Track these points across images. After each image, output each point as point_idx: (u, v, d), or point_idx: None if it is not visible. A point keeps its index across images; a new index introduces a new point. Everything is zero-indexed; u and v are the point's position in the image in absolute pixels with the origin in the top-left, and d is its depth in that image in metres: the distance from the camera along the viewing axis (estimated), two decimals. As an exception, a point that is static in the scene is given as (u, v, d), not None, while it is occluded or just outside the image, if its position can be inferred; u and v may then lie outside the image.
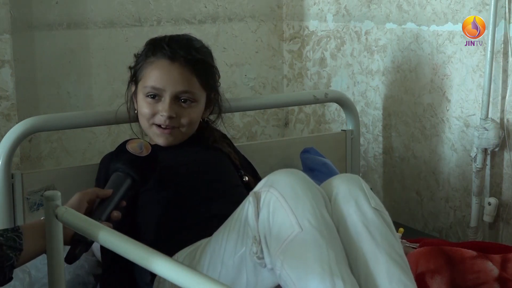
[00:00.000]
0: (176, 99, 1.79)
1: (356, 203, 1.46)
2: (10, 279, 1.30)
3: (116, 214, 1.49)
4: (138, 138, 1.68)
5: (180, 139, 1.82)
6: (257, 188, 1.46)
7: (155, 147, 1.85)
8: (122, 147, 1.60)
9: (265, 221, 1.39)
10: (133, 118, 1.89)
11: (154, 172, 1.62)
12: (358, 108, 2.55)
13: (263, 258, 1.39)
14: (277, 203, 1.39)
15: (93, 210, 1.48)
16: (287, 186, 1.41)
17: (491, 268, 1.74)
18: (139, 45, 1.90)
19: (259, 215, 1.41)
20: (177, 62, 1.78)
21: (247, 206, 1.43)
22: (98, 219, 1.44)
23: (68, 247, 1.40)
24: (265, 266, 1.39)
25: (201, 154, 1.85)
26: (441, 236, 2.42)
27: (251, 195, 1.44)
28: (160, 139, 1.80)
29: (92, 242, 1.40)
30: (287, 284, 1.34)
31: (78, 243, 1.39)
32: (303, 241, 1.35)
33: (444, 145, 2.39)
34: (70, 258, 1.39)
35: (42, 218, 1.39)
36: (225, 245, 1.47)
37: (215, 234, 1.53)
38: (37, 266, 1.73)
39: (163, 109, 1.77)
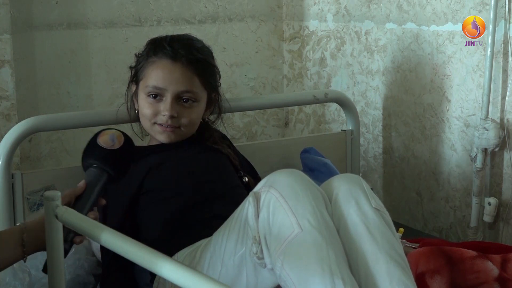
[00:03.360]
0: (178, 98, 1.79)
1: (356, 203, 1.46)
2: None
3: (93, 216, 1.43)
4: (110, 129, 1.54)
5: (181, 137, 1.83)
6: (257, 188, 1.46)
7: (152, 147, 1.85)
8: (93, 141, 1.50)
9: (265, 221, 1.39)
10: (134, 118, 1.90)
11: (130, 163, 1.53)
12: (358, 108, 2.55)
13: (263, 258, 1.39)
14: (277, 203, 1.39)
15: None
16: (287, 186, 1.41)
17: (491, 268, 1.74)
18: (139, 45, 1.90)
19: (259, 215, 1.41)
20: (179, 62, 1.79)
21: (247, 206, 1.43)
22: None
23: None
24: (265, 266, 1.39)
25: (201, 155, 1.85)
26: (441, 236, 2.42)
27: (251, 195, 1.44)
28: (162, 137, 1.81)
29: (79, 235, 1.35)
30: (287, 285, 1.35)
31: (66, 238, 1.34)
32: (303, 241, 1.35)
33: (444, 145, 2.39)
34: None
35: (17, 224, 1.37)
36: (225, 245, 1.47)
37: (215, 234, 1.53)
38: (37, 266, 1.73)
39: (164, 108, 1.77)
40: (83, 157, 1.49)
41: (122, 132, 1.52)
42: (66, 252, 1.35)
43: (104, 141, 1.48)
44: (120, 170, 1.49)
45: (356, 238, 1.43)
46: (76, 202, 1.41)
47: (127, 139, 1.52)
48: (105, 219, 1.75)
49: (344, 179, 1.52)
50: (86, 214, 1.39)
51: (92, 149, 1.48)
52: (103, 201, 1.48)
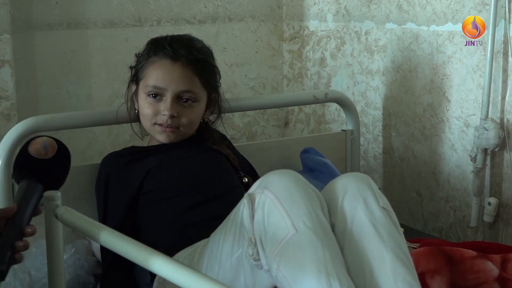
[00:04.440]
0: (177, 98, 1.79)
1: (364, 202, 1.46)
2: None
3: (31, 230, 1.26)
4: (41, 137, 1.40)
5: (180, 137, 1.83)
6: (252, 189, 1.45)
7: (152, 148, 1.85)
8: (25, 151, 1.36)
9: (260, 223, 1.39)
10: (134, 117, 1.90)
11: (66, 170, 1.40)
12: (358, 108, 2.55)
13: (259, 259, 1.38)
14: (272, 204, 1.38)
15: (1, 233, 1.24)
16: (281, 187, 1.41)
17: (491, 268, 1.74)
18: (139, 45, 1.90)
19: (254, 217, 1.40)
20: (179, 62, 1.79)
21: (242, 208, 1.43)
22: (9, 242, 1.22)
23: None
24: (262, 267, 1.39)
25: (201, 155, 1.85)
26: (441, 236, 2.42)
27: (246, 197, 1.44)
28: (162, 136, 1.81)
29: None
30: (284, 286, 1.34)
31: (3, 258, 1.20)
32: (298, 242, 1.35)
33: (444, 145, 2.39)
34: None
35: None
36: (222, 246, 1.47)
37: (212, 235, 1.53)
38: (37, 266, 1.73)
39: (164, 108, 1.78)
40: (14, 168, 1.36)
41: (55, 139, 1.39)
42: (3, 275, 1.19)
43: (35, 150, 1.35)
44: (55, 181, 1.36)
45: (362, 236, 1.43)
46: (10, 224, 1.25)
47: (61, 147, 1.39)
48: (105, 220, 1.76)
49: (353, 178, 1.52)
50: (22, 233, 1.25)
51: (24, 160, 1.35)
52: (41, 210, 1.32)
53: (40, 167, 1.34)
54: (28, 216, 1.27)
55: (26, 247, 1.24)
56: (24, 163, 1.34)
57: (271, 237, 1.36)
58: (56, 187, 1.35)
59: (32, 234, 1.27)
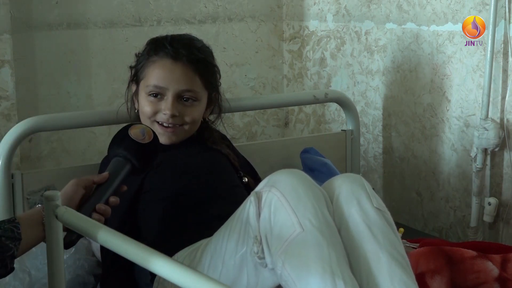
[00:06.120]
0: (179, 98, 1.79)
1: (358, 203, 1.46)
2: (12, 269, 1.30)
3: (114, 199, 1.48)
4: (141, 124, 1.65)
5: (182, 137, 1.83)
6: (259, 188, 1.46)
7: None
8: (124, 132, 1.57)
9: (266, 221, 1.39)
10: (134, 118, 1.90)
11: (155, 159, 1.60)
12: (358, 108, 2.55)
13: (264, 258, 1.39)
14: (278, 203, 1.39)
15: (90, 196, 1.46)
16: (288, 186, 1.41)
17: (491, 268, 1.74)
18: (139, 45, 1.90)
19: (260, 215, 1.41)
20: (180, 61, 1.79)
21: (248, 206, 1.43)
22: (94, 205, 1.43)
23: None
24: (266, 266, 1.39)
25: (201, 155, 1.85)
26: (441, 236, 2.42)
27: (253, 195, 1.44)
28: (162, 138, 1.80)
29: None
30: (288, 284, 1.34)
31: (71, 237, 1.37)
32: (304, 241, 1.35)
33: (444, 145, 2.39)
34: (67, 244, 1.37)
35: (37, 206, 1.40)
36: (226, 245, 1.47)
37: (216, 234, 1.53)
38: (37, 266, 1.73)
39: (166, 107, 1.78)
40: (112, 145, 1.57)
41: (151, 130, 1.60)
42: (73, 242, 1.39)
43: (135, 134, 1.55)
44: (145, 165, 1.56)
45: (357, 238, 1.43)
46: (98, 189, 1.47)
47: (155, 137, 1.59)
48: (105, 220, 1.75)
49: (346, 178, 1.52)
50: (105, 202, 1.46)
51: (123, 140, 1.55)
52: (125, 188, 1.52)
53: (136, 149, 1.53)
54: (114, 187, 1.48)
55: (107, 213, 1.45)
56: (122, 142, 1.54)
57: (277, 235, 1.37)
58: (142, 171, 1.57)
59: (115, 204, 1.47)
